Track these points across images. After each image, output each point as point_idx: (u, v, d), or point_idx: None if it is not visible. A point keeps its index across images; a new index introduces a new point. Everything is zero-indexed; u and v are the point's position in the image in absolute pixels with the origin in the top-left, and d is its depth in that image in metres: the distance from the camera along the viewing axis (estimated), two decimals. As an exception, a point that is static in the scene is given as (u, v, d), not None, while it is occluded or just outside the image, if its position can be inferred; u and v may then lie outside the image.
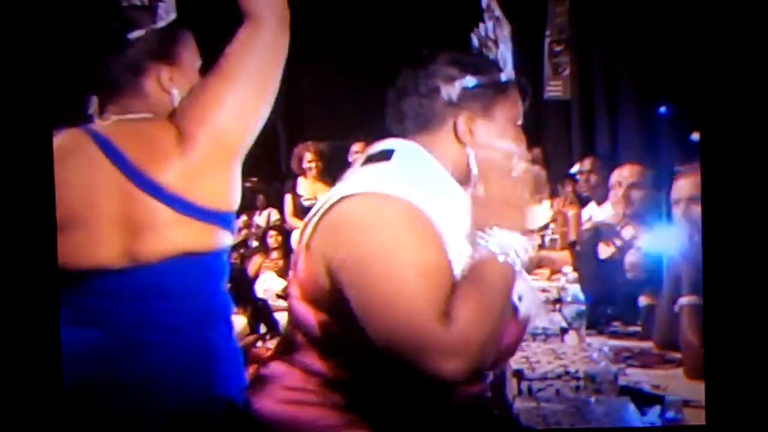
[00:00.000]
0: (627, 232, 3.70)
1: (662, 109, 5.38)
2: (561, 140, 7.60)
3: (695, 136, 5.24)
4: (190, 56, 2.11)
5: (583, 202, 5.21)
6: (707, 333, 2.48)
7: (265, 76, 2.02)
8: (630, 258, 3.44)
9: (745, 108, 2.46)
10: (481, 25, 1.95)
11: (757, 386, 2.40)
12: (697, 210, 2.91)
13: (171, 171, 1.99)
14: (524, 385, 2.51)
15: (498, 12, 1.94)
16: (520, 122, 1.93)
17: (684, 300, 2.75)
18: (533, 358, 2.68)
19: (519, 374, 2.53)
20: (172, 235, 2.00)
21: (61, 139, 2.02)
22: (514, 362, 2.63)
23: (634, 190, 3.69)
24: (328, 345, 1.83)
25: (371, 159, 1.87)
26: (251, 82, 2.00)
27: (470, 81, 1.86)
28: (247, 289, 6.84)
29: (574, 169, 5.41)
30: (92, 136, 2.02)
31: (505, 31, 1.94)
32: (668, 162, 4.27)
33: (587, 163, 5.07)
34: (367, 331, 1.69)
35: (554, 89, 6.98)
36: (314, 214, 1.81)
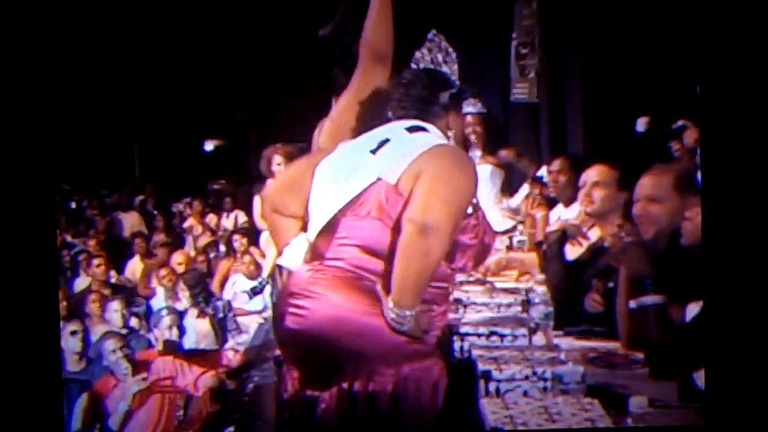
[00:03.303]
0: (594, 233, 3.70)
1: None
2: (530, 142, 7.62)
3: (641, 122, 5.33)
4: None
5: (551, 204, 5.21)
6: (705, 332, 2.48)
7: None
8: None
9: (741, 107, 2.47)
10: (433, 54, 3.43)
11: (755, 386, 2.40)
12: (654, 209, 2.93)
13: None
14: (492, 386, 2.52)
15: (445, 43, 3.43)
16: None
17: (648, 300, 2.74)
18: (501, 359, 2.69)
19: (487, 375, 2.54)
20: None
21: None
22: (482, 363, 2.65)
23: (597, 189, 3.66)
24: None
25: (414, 129, 2.91)
26: None
27: (453, 92, 3.02)
28: (210, 291, 6.85)
29: (542, 171, 5.41)
30: None
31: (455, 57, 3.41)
32: (638, 162, 4.27)
33: (556, 164, 5.04)
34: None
35: (521, 92, 6.98)
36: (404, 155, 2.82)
